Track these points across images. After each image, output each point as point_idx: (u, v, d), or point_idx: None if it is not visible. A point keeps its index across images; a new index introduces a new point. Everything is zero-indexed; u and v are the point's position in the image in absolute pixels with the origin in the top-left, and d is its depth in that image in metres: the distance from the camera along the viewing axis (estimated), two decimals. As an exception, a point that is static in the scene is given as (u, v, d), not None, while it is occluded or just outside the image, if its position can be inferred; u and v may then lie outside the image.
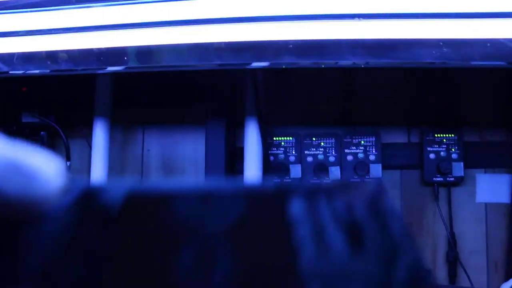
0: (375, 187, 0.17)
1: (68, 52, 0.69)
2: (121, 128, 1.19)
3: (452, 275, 1.01)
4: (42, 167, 0.14)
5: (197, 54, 0.66)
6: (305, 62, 0.57)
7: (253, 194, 0.15)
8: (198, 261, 0.13)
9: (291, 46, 0.57)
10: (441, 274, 1.04)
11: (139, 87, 1.12)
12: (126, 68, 0.70)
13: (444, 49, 0.55)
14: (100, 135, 1.06)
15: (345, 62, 0.55)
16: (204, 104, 1.10)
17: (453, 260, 1.01)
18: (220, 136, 1.06)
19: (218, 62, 0.66)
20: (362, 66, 0.61)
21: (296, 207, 0.15)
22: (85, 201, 0.15)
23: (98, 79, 1.03)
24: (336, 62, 0.61)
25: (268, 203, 0.15)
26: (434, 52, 0.56)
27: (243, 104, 1.02)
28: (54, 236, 0.13)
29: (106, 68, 0.72)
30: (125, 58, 0.67)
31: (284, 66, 0.65)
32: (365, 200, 0.16)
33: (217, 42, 0.63)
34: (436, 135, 1.01)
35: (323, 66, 0.57)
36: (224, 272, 0.13)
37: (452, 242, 1.01)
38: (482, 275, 1.03)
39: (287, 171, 1.04)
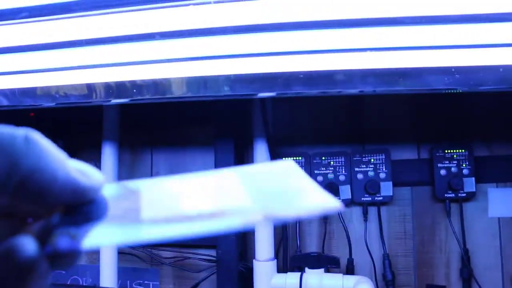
0: (289, 163, 0.27)
1: (76, 86, 0.69)
2: (129, 150, 1.19)
3: (467, 292, 1.00)
4: (91, 171, 0.23)
5: (207, 86, 0.66)
6: (314, 92, 0.57)
7: (216, 176, 0.27)
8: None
9: (301, 76, 0.57)
10: (455, 290, 1.03)
11: (148, 112, 1.12)
12: (131, 100, 0.70)
13: (457, 75, 0.55)
14: (108, 157, 1.06)
15: (354, 91, 0.55)
16: (213, 125, 1.10)
17: (467, 276, 1.00)
18: (229, 157, 1.06)
19: (228, 93, 0.66)
20: (370, 93, 0.60)
21: (243, 176, 0.26)
22: (119, 188, 0.25)
23: (106, 105, 1.03)
24: (339, 91, 0.60)
25: (225, 177, 0.26)
26: (446, 78, 0.56)
27: (251, 124, 1.02)
28: (103, 208, 0.23)
29: (110, 101, 0.72)
30: (134, 90, 0.67)
31: (289, 95, 0.65)
32: (284, 170, 0.27)
33: (226, 75, 0.63)
34: (446, 151, 1.00)
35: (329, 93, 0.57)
36: (203, 203, 0.24)
37: (465, 259, 1.00)
38: (497, 290, 1.02)
39: (297, 190, 1.04)
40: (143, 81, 0.63)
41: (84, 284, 1.20)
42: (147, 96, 0.65)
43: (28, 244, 0.19)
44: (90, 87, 0.66)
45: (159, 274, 1.15)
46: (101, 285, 1.06)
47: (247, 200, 0.24)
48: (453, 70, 0.55)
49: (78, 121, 1.18)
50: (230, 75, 0.60)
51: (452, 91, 0.57)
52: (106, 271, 1.06)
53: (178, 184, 0.26)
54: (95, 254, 1.14)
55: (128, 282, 1.17)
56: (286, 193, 0.25)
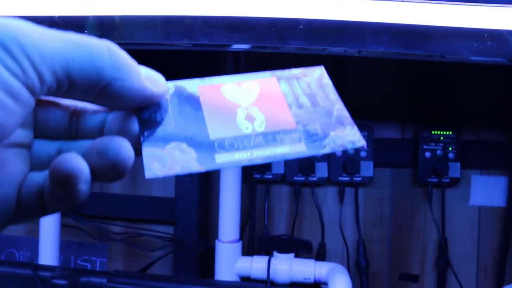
0: (321, 71, 0.29)
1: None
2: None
3: (442, 282, 0.95)
4: (157, 77, 0.25)
5: (177, 30, 0.53)
6: (316, 48, 0.46)
7: (260, 81, 0.28)
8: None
9: (301, 27, 0.45)
10: (429, 280, 0.97)
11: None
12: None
13: (488, 42, 0.45)
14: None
15: (370, 50, 0.44)
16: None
17: (444, 266, 0.94)
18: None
19: (204, 42, 0.53)
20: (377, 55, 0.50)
21: (283, 85, 0.28)
22: (178, 91, 0.27)
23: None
24: (345, 50, 0.49)
25: (269, 84, 0.28)
26: (475, 45, 0.46)
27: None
28: (166, 110, 0.26)
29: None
30: (86, 31, 0.53)
31: (273, 49, 0.54)
32: (316, 79, 0.29)
33: (203, 16, 0.50)
34: (432, 132, 0.92)
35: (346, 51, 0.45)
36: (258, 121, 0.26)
37: (444, 248, 0.93)
38: (471, 281, 0.97)
39: (269, 165, 0.93)
40: (92, 17, 0.49)
41: (20, 258, 1.06)
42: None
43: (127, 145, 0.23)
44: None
45: (108, 251, 1.03)
46: (40, 260, 0.93)
47: (293, 121, 0.26)
48: (485, 35, 0.45)
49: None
50: (207, 17, 0.48)
51: (481, 61, 0.47)
52: (46, 244, 0.93)
53: (230, 90, 0.27)
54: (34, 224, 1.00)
55: (72, 258, 1.04)
56: (321, 118, 0.27)
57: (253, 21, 0.49)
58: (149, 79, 0.24)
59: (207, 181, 0.98)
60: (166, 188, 1.00)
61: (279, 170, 0.94)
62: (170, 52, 0.74)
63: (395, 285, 0.97)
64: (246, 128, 0.26)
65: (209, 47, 0.59)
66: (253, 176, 0.94)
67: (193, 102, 0.26)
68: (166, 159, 0.24)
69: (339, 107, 0.27)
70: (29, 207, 0.23)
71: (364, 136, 0.92)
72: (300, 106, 0.27)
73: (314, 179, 0.94)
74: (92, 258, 1.03)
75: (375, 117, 0.96)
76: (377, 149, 0.94)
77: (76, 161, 0.21)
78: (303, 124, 0.26)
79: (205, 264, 0.94)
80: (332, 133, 0.26)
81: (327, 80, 0.29)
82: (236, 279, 0.86)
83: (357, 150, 0.93)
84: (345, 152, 0.93)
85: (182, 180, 0.93)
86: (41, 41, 0.20)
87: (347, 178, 0.93)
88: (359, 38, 0.47)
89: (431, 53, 0.50)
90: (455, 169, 0.92)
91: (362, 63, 0.94)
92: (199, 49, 0.60)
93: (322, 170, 0.93)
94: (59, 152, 0.25)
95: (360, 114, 0.96)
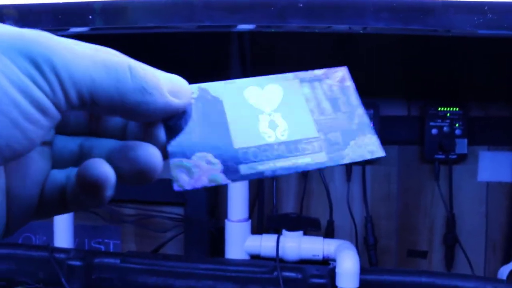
0: (343, 73, 0.28)
1: (17, 8, 0.55)
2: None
3: (450, 258, 0.95)
4: (181, 86, 0.24)
5: (180, 13, 0.54)
6: (320, 26, 0.46)
7: (283, 84, 0.28)
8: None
9: (301, 5, 0.45)
10: (437, 256, 0.98)
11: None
12: (91, 29, 0.57)
13: (489, 15, 0.45)
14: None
15: (375, 27, 0.44)
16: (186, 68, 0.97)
17: (452, 242, 0.94)
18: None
19: (207, 23, 0.54)
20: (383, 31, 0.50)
21: (306, 89, 0.27)
22: (202, 95, 0.26)
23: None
24: (350, 27, 0.49)
25: (292, 87, 0.27)
26: (475, 19, 0.46)
27: (228, 69, 0.91)
28: (191, 115, 0.25)
29: (68, 30, 0.59)
30: (90, 17, 0.54)
31: (283, 29, 0.54)
32: (338, 81, 0.28)
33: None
34: (439, 109, 0.92)
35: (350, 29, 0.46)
36: (280, 129, 0.26)
37: (451, 224, 0.94)
38: (479, 256, 0.98)
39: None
40: (100, 2, 0.50)
41: (37, 242, 1.09)
42: (102, 25, 0.53)
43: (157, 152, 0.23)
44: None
45: (121, 233, 1.06)
46: (55, 243, 0.96)
47: (314, 129, 0.26)
48: (485, 8, 0.45)
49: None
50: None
51: (484, 34, 0.47)
52: (61, 228, 0.96)
53: (253, 94, 0.27)
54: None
55: (86, 240, 1.07)
56: (343, 125, 0.26)
57: (255, 1, 0.50)
58: (173, 93, 0.23)
59: (216, 163, 1.00)
60: (176, 171, 1.01)
61: (286, 150, 0.95)
62: (179, 40, 0.75)
63: (403, 261, 0.98)
64: (269, 136, 0.25)
65: (213, 28, 0.60)
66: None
67: (216, 106, 0.26)
68: (193, 171, 0.24)
69: (360, 113, 0.27)
70: (50, 206, 0.24)
71: (370, 114, 0.93)
72: (322, 112, 0.27)
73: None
74: (106, 240, 1.06)
75: (381, 95, 0.96)
76: (384, 126, 0.94)
77: (104, 168, 0.21)
78: (324, 132, 0.26)
79: (215, 243, 0.96)
80: (352, 142, 0.26)
81: (349, 83, 0.28)
82: (246, 257, 0.88)
83: (364, 129, 0.93)
84: (351, 130, 0.93)
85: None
86: (71, 62, 0.20)
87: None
88: (362, 15, 0.47)
89: (436, 28, 0.50)
90: (462, 146, 0.92)
91: (366, 39, 0.94)
92: (203, 30, 0.61)
93: (329, 149, 0.94)
94: (81, 149, 0.25)
95: (366, 92, 0.96)
